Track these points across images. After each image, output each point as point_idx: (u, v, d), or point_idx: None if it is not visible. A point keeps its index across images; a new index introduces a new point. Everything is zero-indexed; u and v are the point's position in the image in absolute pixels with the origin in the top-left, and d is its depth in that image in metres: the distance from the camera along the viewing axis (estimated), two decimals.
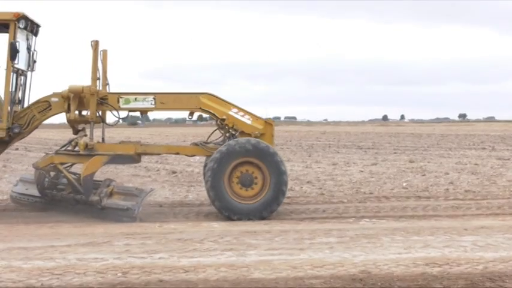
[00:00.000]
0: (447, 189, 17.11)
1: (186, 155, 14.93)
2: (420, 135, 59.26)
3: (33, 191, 14.16)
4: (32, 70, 13.69)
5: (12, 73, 12.89)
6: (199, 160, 24.97)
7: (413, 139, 50.38)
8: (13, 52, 12.73)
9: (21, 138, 13.97)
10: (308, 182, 18.12)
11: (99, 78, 13.32)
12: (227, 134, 13.61)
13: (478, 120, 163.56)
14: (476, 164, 24.81)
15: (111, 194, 12.85)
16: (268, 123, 13.72)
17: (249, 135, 13.35)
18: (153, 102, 13.61)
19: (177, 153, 15.09)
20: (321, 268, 8.39)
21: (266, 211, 12.75)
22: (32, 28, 13.34)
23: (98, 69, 13.29)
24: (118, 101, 13.49)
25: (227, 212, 12.66)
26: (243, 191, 12.82)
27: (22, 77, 13.45)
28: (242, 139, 13.08)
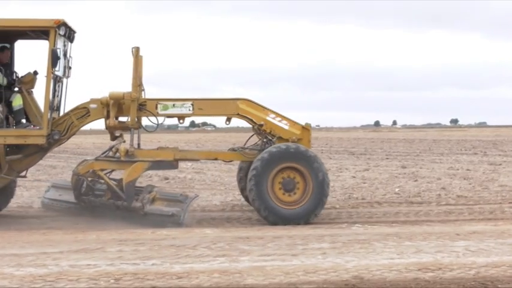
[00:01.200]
0: (439, 194, 17.14)
1: (223, 161, 15.13)
2: (412, 140, 59.37)
3: (67, 196, 14.20)
4: (68, 76, 13.67)
5: (51, 80, 12.92)
6: (191, 166, 25.02)
7: (406, 144, 50.46)
8: (54, 59, 12.74)
9: (59, 145, 13.96)
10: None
11: (139, 85, 13.37)
12: (264, 140, 13.69)
13: (469, 126, 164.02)
14: (468, 170, 24.88)
15: (153, 200, 12.86)
16: (306, 128, 13.78)
17: (287, 140, 13.42)
18: (191, 108, 13.66)
19: (216, 159, 15.13)
20: (314, 274, 8.39)
21: (310, 215, 12.86)
22: (70, 34, 13.34)
23: (138, 76, 13.33)
24: (156, 107, 13.52)
25: (271, 217, 12.75)
26: (285, 196, 12.89)
27: (59, 84, 13.45)
28: (285, 144, 13.16)
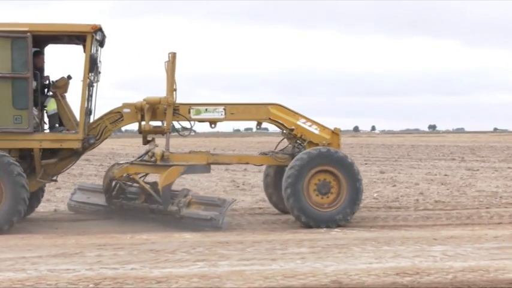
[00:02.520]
0: (417, 199, 17.24)
1: (255, 165, 15.12)
2: (391, 146, 59.62)
3: (95, 199, 14.34)
4: (98, 81, 13.61)
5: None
6: None
7: (384, 150, 50.68)
8: (92, 64, 12.87)
9: (92, 149, 13.96)
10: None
11: (175, 90, 13.44)
12: (295, 144, 13.87)
13: (447, 131, 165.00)
14: (446, 175, 25.05)
15: (189, 204, 12.89)
16: (335, 133, 13.94)
17: (317, 144, 13.56)
18: (223, 113, 13.78)
19: (247, 163, 15.21)
20: (293, 278, 8.40)
21: (343, 218, 12.94)
22: (102, 39, 13.28)
23: (174, 81, 13.43)
24: (189, 112, 13.62)
25: (306, 218, 12.82)
26: (319, 198, 13.02)
27: (91, 88, 13.43)
28: (325, 148, 13.29)
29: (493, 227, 12.84)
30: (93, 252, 10.22)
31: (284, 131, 14.01)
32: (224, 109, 13.74)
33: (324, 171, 13.03)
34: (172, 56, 13.36)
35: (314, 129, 13.84)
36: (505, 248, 10.55)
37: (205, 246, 10.68)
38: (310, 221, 12.81)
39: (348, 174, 13.01)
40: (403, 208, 15.47)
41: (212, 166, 13.83)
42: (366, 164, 32.18)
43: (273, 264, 9.26)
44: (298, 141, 13.82)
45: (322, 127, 13.91)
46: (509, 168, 28.75)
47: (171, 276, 8.50)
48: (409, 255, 9.88)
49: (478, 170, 27.70)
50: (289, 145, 14.24)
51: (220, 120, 13.85)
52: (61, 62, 14.14)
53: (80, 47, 13.24)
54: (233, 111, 13.80)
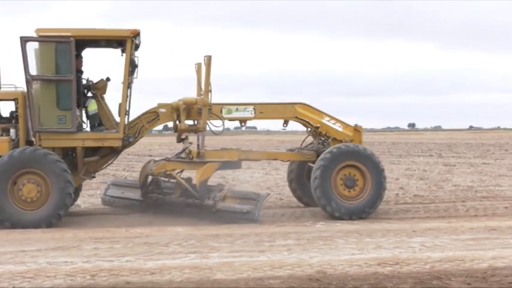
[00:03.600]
0: (397, 194, 17.26)
1: (282, 160, 15.13)
2: (372, 143, 59.47)
3: (130, 194, 14.52)
4: (132, 82, 13.67)
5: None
6: None
7: (366, 147, 50.59)
8: (133, 67, 12.99)
9: (129, 147, 13.99)
10: (267, 188, 18.10)
11: (210, 91, 13.49)
12: (319, 141, 14.02)
13: (426, 129, 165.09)
14: (424, 170, 25.12)
15: (224, 198, 12.96)
16: (357, 130, 14.13)
17: (341, 141, 13.74)
18: (252, 112, 13.93)
19: (275, 159, 15.29)
20: (280, 269, 8.42)
21: (368, 210, 13.19)
22: (139, 43, 13.35)
23: (210, 83, 13.48)
24: (221, 111, 13.70)
25: (331, 209, 13.02)
26: (346, 191, 13.20)
27: (129, 89, 13.47)
28: (353, 144, 13.57)
29: (469, 220, 12.90)
30: (90, 245, 10.20)
31: (309, 129, 14.16)
32: (254, 108, 13.91)
33: (351, 166, 13.24)
34: (208, 59, 13.40)
35: (338, 127, 14.05)
36: (480, 239, 10.60)
37: (197, 239, 10.68)
38: (335, 211, 13.02)
39: (374, 171, 13.25)
40: (384, 202, 15.42)
41: None
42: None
43: (260, 256, 9.28)
44: (322, 138, 13.97)
45: (345, 124, 14.12)
46: (484, 163, 28.86)
47: (165, 267, 8.50)
48: (390, 247, 9.91)
49: (454, 165, 27.79)
50: (314, 142, 14.37)
51: (250, 118, 14.03)
52: (97, 64, 14.15)
53: (117, 50, 13.42)
54: (262, 110, 13.98)
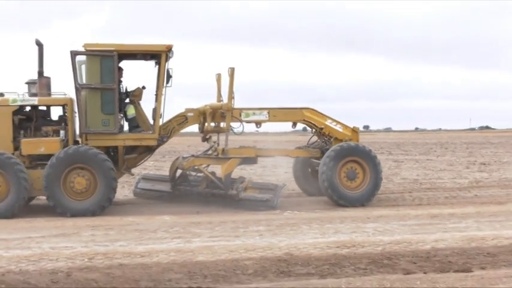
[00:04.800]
0: None
1: (292, 157, 15.13)
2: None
3: (159, 186, 14.54)
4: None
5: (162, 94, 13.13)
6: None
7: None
8: (168, 77, 13.00)
9: (161, 146, 13.94)
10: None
11: (233, 97, 13.60)
12: (323, 140, 14.15)
13: (378, 131, 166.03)
14: None
15: (245, 189, 13.03)
16: (355, 130, 14.25)
17: (341, 140, 13.87)
18: (267, 116, 13.99)
19: (287, 155, 15.17)
20: (253, 251, 8.42)
21: (367, 199, 13.36)
22: (172, 56, 13.29)
23: (233, 90, 13.55)
24: (240, 115, 13.75)
25: (337, 197, 13.19)
26: (348, 183, 13.32)
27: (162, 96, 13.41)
28: (354, 143, 13.72)
29: (414, 208, 12.98)
30: (87, 232, 10.12)
31: (314, 130, 14.30)
32: (268, 112, 14.00)
33: (352, 161, 13.39)
34: (232, 70, 13.47)
35: (339, 128, 14.16)
36: (424, 224, 10.68)
37: (181, 226, 10.64)
38: (340, 200, 13.18)
39: (371, 165, 13.41)
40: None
41: None
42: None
43: (236, 240, 9.28)
44: (325, 137, 14.10)
45: (345, 126, 14.22)
46: (427, 160, 29.14)
47: (153, 251, 8.47)
48: (347, 231, 9.96)
49: (402, 161, 28.00)
50: (318, 140, 14.49)
51: (265, 121, 14.09)
52: (132, 74, 14.14)
53: (150, 62, 13.53)
54: (275, 114, 14.06)
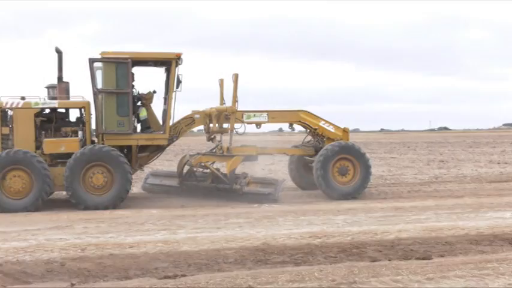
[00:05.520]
0: None
1: (288, 154, 15.20)
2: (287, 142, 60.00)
3: (167, 181, 14.57)
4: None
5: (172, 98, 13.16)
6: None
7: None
8: (178, 83, 13.02)
9: (170, 145, 13.93)
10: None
11: (237, 101, 13.65)
12: (317, 140, 14.27)
13: None
14: None
15: (248, 183, 13.06)
16: (345, 131, 14.36)
17: (333, 140, 13.99)
18: (266, 117, 14.08)
19: (285, 153, 15.23)
20: (233, 242, 8.40)
21: (357, 192, 13.49)
22: (181, 63, 13.30)
23: (236, 95, 13.62)
24: (242, 116, 13.80)
25: (330, 192, 13.35)
26: (340, 177, 13.43)
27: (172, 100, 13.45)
28: (345, 142, 13.88)
29: (380, 201, 13.05)
30: (80, 225, 10.02)
31: (309, 130, 14.39)
32: (267, 114, 14.08)
33: (344, 158, 13.52)
34: (236, 76, 13.61)
35: (331, 129, 14.28)
36: (388, 216, 10.75)
37: (167, 219, 10.58)
38: (334, 194, 13.33)
39: (361, 162, 13.60)
40: (316, 188, 15.53)
41: None
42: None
43: (218, 232, 9.25)
44: (319, 137, 14.22)
45: (336, 127, 14.35)
46: (391, 157, 29.33)
47: (141, 242, 8.41)
48: (319, 223, 9.98)
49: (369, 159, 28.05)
50: (312, 140, 14.60)
51: (264, 122, 14.20)
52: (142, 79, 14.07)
53: (160, 68, 13.62)
54: (274, 115, 14.18)
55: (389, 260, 7.30)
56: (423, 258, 7.38)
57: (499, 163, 24.36)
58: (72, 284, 6.28)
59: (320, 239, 8.55)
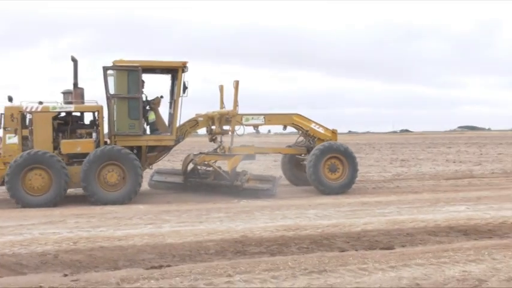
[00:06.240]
0: None
1: (282, 153, 15.31)
2: (280, 143, 60.11)
3: (171, 178, 14.56)
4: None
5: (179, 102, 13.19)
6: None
7: (274, 145, 50.80)
8: (184, 89, 13.03)
9: (175, 146, 13.90)
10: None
11: (237, 105, 13.67)
12: (308, 140, 14.39)
13: None
14: None
15: (248, 180, 13.12)
16: (334, 132, 14.46)
17: (323, 140, 14.09)
18: (263, 120, 14.16)
19: (280, 153, 15.32)
20: (214, 234, 8.38)
21: (346, 188, 13.62)
22: (187, 71, 13.32)
23: (237, 99, 13.64)
24: (241, 119, 13.83)
25: (322, 187, 13.50)
26: (330, 174, 13.55)
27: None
28: (334, 142, 13.99)
29: (348, 197, 13.09)
30: (72, 220, 9.90)
31: (301, 132, 14.51)
32: (264, 117, 14.18)
33: (334, 157, 13.66)
34: (236, 83, 13.61)
35: (321, 130, 14.39)
36: (356, 210, 10.81)
37: (153, 214, 10.51)
38: (325, 189, 13.49)
39: (350, 160, 13.70)
40: (289, 185, 15.61)
41: None
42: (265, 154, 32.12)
43: (200, 225, 9.22)
44: (310, 138, 14.33)
45: (326, 128, 14.48)
46: (358, 157, 28.97)
47: (129, 235, 8.34)
48: (293, 217, 10.00)
49: None
50: (304, 140, 14.72)
51: (261, 124, 14.31)
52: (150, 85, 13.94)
53: (166, 75, 13.64)
54: (270, 118, 14.29)
55: (356, 250, 7.35)
56: (386, 248, 7.44)
57: (454, 162, 24.70)
58: (65, 275, 6.21)
59: (293, 231, 8.58)
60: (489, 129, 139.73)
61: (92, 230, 8.87)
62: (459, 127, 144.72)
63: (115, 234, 8.42)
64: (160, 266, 6.49)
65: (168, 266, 6.54)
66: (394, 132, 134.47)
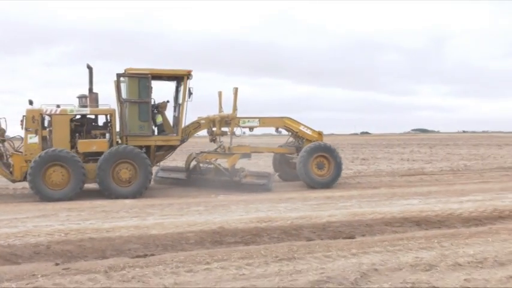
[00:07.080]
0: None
1: (274, 152, 15.44)
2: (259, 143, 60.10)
3: (175, 175, 14.55)
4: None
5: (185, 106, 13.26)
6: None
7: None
8: (189, 94, 13.08)
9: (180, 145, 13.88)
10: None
11: (236, 109, 13.83)
12: (298, 141, 14.60)
13: (287, 135, 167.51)
14: None
15: (245, 176, 13.20)
16: (320, 133, 14.67)
17: (311, 141, 14.30)
18: (258, 122, 14.33)
19: (273, 152, 15.43)
20: (194, 226, 8.34)
21: (332, 183, 13.85)
22: (191, 79, 13.35)
23: (236, 104, 13.81)
24: (239, 122, 13.99)
25: (311, 183, 13.64)
26: (318, 171, 13.71)
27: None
28: (322, 142, 14.22)
29: (314, 192, 13.12)
30: (64, 213, 9.74)
31: (292, 133, 14.75)
32: (259, 120, 14.35)
33: (321, 156, 13.88)
34: (235, 89, 13.85)
35: (309, 132, 14.59)
36: (321, 204, 10.86)
37: (138, 207, 10.41)
38: (315, 184, 13.65)
39: (334, 158, 13.93)
40: (279, 181, 15.42)
41: None
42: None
43: (181, 218, 9.16)
44: (299, 139, 14.57)
45: (313, 130, 14.70)
46: None
47: (116, 227, 8.24)
48: (265, 210, 10.01)
49: None
50: (294, 141, 14.95)
51: (256, 127, 14.48)
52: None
53: (171, 82, 13.74)
54: (264, 121, 14.49)
55: (321, 239, 7.39)
56: (348, 238, 7.50)
57: (408, 160, 25.04)
58: (57, 264, 6.11)
59: (266, 223, 8.58)
60: (438, 132, 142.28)
61: (81, 222, 8.73)
62: (412, 130, 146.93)
63: (103, 226, 8.31)
64: (145, 255, 6.43)
65: (152, 255, 6.49)
66: (356, 134, 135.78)
